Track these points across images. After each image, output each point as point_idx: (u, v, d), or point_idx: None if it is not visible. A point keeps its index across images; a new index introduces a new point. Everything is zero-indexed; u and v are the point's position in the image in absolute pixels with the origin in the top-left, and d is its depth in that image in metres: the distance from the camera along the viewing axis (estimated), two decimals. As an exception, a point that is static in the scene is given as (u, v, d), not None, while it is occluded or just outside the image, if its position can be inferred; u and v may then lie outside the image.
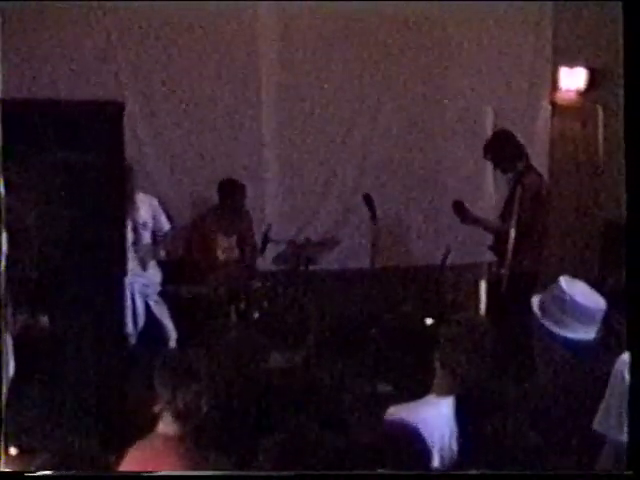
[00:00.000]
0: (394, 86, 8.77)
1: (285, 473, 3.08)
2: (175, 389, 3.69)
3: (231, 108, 8.36)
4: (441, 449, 3.65)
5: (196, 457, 3.63)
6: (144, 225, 7.49)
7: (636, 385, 3.28)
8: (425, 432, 3.65)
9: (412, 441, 3.01)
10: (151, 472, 3.55)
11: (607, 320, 4.36)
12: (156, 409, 3.73)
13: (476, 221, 7.48)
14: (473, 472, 2.85)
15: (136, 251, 7.31)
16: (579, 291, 4.36)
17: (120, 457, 3.71)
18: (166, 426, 3.75)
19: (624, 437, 3.60)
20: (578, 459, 3.81)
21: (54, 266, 5.80)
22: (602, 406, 3.82)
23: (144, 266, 7.47)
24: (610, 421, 3.77)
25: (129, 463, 3.69)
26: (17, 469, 3.66)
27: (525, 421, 3.87)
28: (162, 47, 8.09)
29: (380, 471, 2.97)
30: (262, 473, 3.25)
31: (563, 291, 4.34)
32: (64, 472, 3.08)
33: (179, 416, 3.70)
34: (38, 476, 3.12)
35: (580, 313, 4.29)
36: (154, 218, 7.64)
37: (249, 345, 4.88)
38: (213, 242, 8.10)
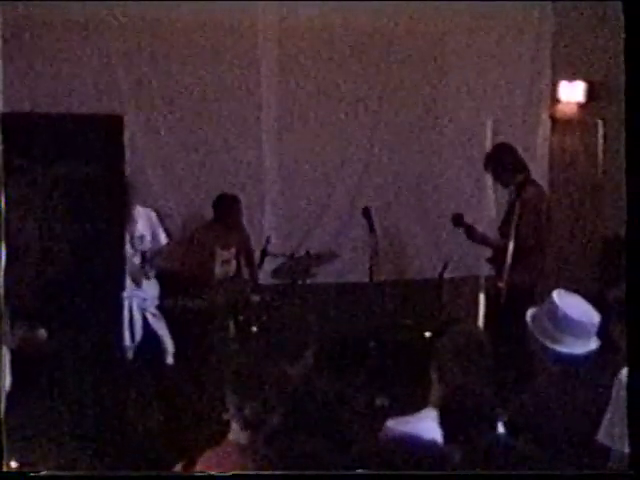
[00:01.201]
0: (393, 99, 8.78)
1: (285, 473, 3.08)
2: (245, 397, 3.67)
3: (231, 121, 8.37)
4: (439, 461, 3.64)
5: (267, 465, 3.59)
6: (141, 239, 7.45)
7: (637, 385, 3.27)
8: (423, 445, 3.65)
9: (414, 453, 3.00)
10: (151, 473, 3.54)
11: (607, 332, 4.34)
12: (226, 417, 3.71)
13: (475, 234, 7.45)
14: (472, 472, 2.85)
15: (130, 268, 7.28)
16: (572, 305, 4.33)
17: (190, 464, 3.70)
18: (236, 434, 3.72)
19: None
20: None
21: (53, 280, 5.79)
22: (606, 418, 3.81)
23: (138, 284, 7.45)
24: (615, 432, 3.75)
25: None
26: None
27: (522, 433, 3.86)
28: (162, 61, 8.10)
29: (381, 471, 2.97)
30: (261, 473, 3.24)
31: (555, 305, 4.32)
32: (65, 472, 3.09)
33: (249, 425, 3.66)
34: (39, 476, 3.12)
35: (571, 327, 4.26)
36: (152, 232, 7.58)
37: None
38: (211, 256, 8.09)
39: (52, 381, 5.71)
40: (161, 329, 7.67)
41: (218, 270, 8.12)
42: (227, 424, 3.75)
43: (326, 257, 8.11)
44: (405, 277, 8.96)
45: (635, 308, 3.27)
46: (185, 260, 8.11)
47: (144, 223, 7.55)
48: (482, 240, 7.51)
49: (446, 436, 3.59)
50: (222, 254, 8.12)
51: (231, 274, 8.16)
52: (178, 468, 3.74)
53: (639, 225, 3.26)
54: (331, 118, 8.64)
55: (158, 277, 7.70)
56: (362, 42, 8.58)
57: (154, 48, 8.07)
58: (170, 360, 7.66)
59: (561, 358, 4.28)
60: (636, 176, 3.29)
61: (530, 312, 4.45)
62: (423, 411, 4.11)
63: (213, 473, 3.47)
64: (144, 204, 7.64)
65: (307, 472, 3.03)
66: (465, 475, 2.98)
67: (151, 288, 7.63)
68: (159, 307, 7.69)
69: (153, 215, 7.67)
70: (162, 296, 7.70)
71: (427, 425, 3.83)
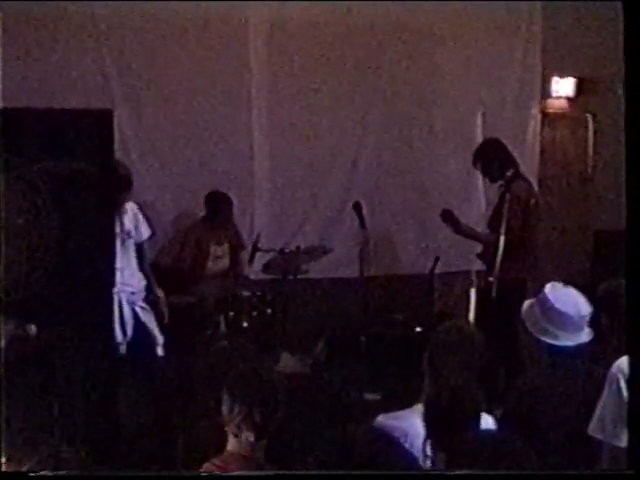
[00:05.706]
0: (383, 94, 8.78)
1: (285, 473, 3.07)
2: (252, 405, 3.54)
3: (221, 117, 8.36)
4: (429, 458, 3.64)
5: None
6: (128, 234, 7.36)
7: (636, 384, 3.27)
8: (413, 441, 3.65)
9: (390, 451, 2.99)
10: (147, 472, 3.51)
11: (598, 326, 4.37)
12: (228, 429, 3.57)
13: (464, 230, 7.48)
14: (470, 472, 2.84)
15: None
16: (563, 298, 4.38)
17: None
18: (239, 444, 3.58)
19: (620, 441, 3.60)
20: (573, 465, 3.80)
21: (42, 275, 5.76)
22: (597, 411, 3.82)
23: None
24: (606, 426, 3.76)
25: None
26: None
27: (514, 428, 3.86)
28: (152, 55, 8.09)
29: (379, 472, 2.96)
30: (262, 473, 3.23)
31: (546, 297, 4.38)
32: (65, 472, 3.07)
33: (260, 431, 3.54)
34: (38, 476, 3.11)
35: (562, 321, 4.31)
36: (135, 226, 7.45)
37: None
38: (202, 251, 8.08)
39: (43, 377, 5.69)
40: (150, 322, 7.63)
41: (211, 266, 8.12)
42: (224, 433, 3.65)
43: (317, 252, 8.10)
44: (396, 272, 8.96)
45: (634, 299, 3.26)
46: (177, 256, 8.11)
47: (129, 217, 7.47)
48: (471, 235, 7.54)
49: (433, 432, 3.59)
50: (215, 250, 8.13)
51: (224, 270, 8.16)
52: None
53: (638, 215, 3.23)
54: (321, 114, 8.64)
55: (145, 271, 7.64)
56: (352, 37, 8.58)
57: (145, 43, 8.05)
58: (160, 352, 7.61)
59: (553, 351, 4.31)
60: (633, 169, 3.27)
61: (525, 305, 4.52)
62: (414, 407, 4.12)
63: (213, 473, 3.43)
64: (132, 199, 7.52)
65: (307, 472, 3.01)
66: (463, 475, 2.97)
67: (140, 281, 7.58)
68: (148, 301, 7.65)
69: (135, 208, 7.56)
70: (152, 290, 7.66)
71: (417, 420, 3.84)
